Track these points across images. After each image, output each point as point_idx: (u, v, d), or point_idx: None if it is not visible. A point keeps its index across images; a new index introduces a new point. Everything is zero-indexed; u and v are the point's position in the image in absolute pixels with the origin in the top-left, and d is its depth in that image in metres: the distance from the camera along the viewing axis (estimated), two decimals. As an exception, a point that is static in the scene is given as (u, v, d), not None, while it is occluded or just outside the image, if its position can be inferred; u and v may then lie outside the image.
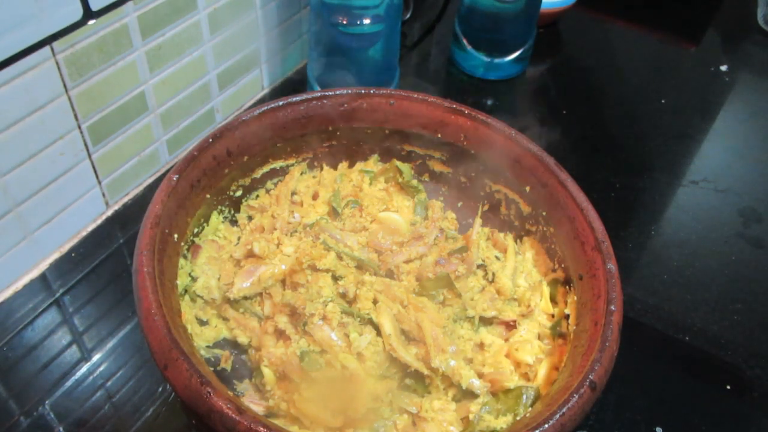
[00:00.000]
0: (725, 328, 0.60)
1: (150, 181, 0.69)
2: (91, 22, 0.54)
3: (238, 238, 0.57)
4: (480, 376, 0.48)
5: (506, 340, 0.51)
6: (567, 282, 0.52)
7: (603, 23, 1.02)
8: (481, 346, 0.51)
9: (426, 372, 0.48)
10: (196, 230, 0.54)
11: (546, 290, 0.54)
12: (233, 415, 0.36)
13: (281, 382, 0.47)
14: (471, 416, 0.46)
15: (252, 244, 0.53)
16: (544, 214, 0.54)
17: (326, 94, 0.57)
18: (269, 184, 0.60)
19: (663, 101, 0.86)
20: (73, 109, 0.56)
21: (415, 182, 0.61)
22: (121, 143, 0.63)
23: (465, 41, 0.85)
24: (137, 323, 0.51)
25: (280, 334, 0.50)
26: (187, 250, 0.52)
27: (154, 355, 0.39)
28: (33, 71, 0.51)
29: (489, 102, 0.85)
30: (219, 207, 0.57)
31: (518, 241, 0.58)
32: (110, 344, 0.55)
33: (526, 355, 0.49)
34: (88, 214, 0.64)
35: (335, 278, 0.52)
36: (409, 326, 0.49)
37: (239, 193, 0.58)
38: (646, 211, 0.71)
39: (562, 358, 0.48)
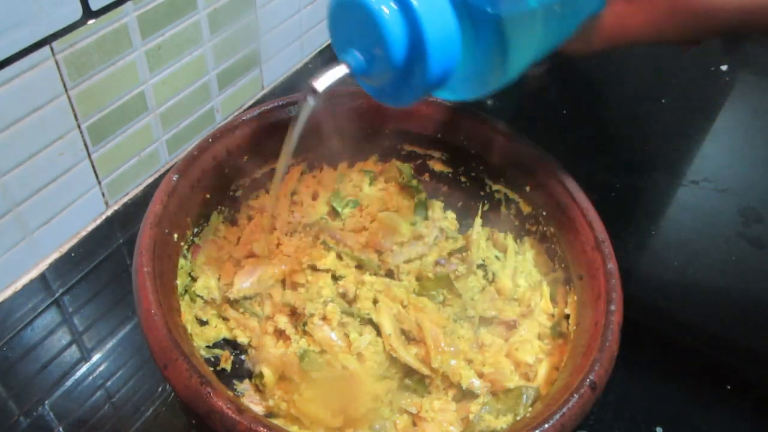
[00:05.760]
0: (725, 328, 0.60)
1: (150, 181, 0.69)
2: (91, 21, 0.54)
3: (238, 238, 0.57)
4: (480, 376, 0.48)
5: (506, 340, 0.51)
6: (567, 282, 0.52)
7: (603, 23, 1.02)
8: (481, 346, 0.50)
9: (426, 372, 0.48)
10: (196, 230, 0.54)
11: (546, 290, 0.54)
12: (233, 415, 0.36)
13: (281, 382, 0.47)
14: (471, 416, 0.46)
15: (252, 244, 0.53)
16: (544, 214, 0.54)
17: (326, 94, 0.57)
18: (269, 184, 0.60)
19: (663, 101, 0.86)
20: (73, 109, 0.56)
21: (415, 182, 0.61)
22: (120, 143, 0.63)
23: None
24: (137, 323, 0.51)
25: (280, 334, 0.50)
26: (187, 250, 0.52)
27: (154, 355, 0.39)
28: (32, 71, 0.51)
29: (489, 102, 0.84)
30: (219, 207, 0.56)
31: (518, 241, 0.58)
32: (110, 344, 0.55)
33: (526, 355, 0.49)
34: (88, 214, 0.63)
35: (335, 278, 0.52)
36: (409, 326, 0.49)
37: (239, 193, 0.58)
38: (646, 211, 0.71)
39: (562, 358, 0.48)
